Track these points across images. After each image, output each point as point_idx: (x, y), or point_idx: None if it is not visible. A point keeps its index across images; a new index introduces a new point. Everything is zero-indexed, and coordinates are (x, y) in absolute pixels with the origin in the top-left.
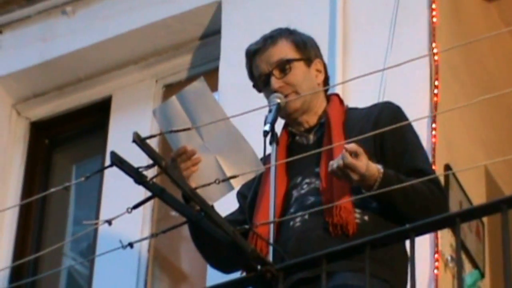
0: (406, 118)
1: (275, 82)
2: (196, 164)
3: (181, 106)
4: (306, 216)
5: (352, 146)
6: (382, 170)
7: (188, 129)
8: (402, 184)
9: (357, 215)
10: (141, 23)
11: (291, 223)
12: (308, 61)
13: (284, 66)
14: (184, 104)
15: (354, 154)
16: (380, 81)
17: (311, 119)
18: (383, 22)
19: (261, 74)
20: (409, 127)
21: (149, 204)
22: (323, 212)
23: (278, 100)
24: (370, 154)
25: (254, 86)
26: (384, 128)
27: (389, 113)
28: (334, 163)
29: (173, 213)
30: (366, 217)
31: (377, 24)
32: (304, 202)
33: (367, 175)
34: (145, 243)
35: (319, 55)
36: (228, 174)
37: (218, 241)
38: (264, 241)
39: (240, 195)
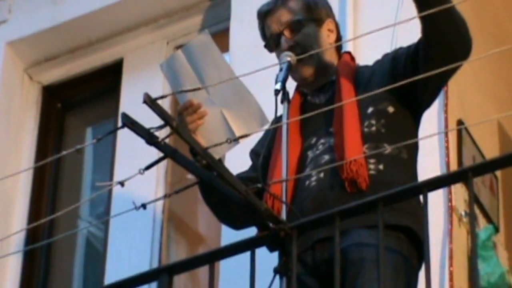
0: None
1: (285, 42)
2: (202, 118)
3: (187, 59)
4: (322, 175)
5: None
6: None
7: (198, 89)
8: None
9: (371, 166)
10: None
11: (307, 182)
12: (320, 21)
13: (294, 26)
14: (190, 58)
15: None
16: (392, 37)
17: (323, 79)
18: None
19: (272, 34)
20: None
21: (162, 166)
22: (338, 170)
23: (289, 58)
24: (390, 93)
25: (265, 46)
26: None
27: (391, 52)
28: None
29: (189, 175)
30: (381, 166)
31: None
32: (319, 161)
33: None
34: (160, 205)
35: (331, 15)
36: (234, 127)
37: (228, 198)
38: (279, 201)
39: (254, 153)
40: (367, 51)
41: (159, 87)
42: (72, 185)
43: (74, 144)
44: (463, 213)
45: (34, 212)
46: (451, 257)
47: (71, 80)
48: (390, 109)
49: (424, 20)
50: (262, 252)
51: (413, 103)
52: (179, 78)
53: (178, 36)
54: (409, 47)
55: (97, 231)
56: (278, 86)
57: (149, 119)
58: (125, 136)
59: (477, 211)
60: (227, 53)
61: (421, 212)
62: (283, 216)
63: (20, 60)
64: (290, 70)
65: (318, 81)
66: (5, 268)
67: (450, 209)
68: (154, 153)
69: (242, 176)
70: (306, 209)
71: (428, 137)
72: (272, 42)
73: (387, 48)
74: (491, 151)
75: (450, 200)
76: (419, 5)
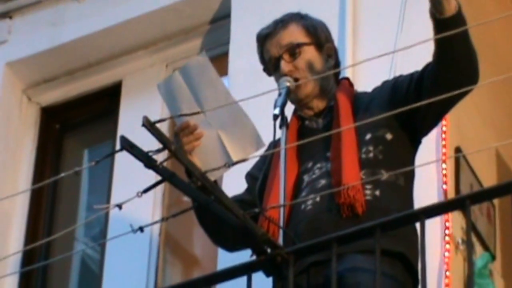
0: None
1: (284, 66)
2: (199, 139)
3: (184, 80)
4: (318, 199)
5: None
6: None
7: (197, 113)
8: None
9: (368, 191)
10: (151, 8)
11: (302, 206)
12: (319, 46)
13: (294, 50)
14: (187, 79)
15: None
16: (391, 64)
17: (321, 104)
18: (393, 4)
19: (271, 58)
20: None
21: (159, 189)
22: (334, 194)
23: (288, 84)
24: (389, 119)
25: (264, 70)
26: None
27: (392, 79)
28: None
29: (186, 198)
30: (377, 192)
31: (387, 6)
32: (315, 186)
33: None
34: (156, 228)
35: (330, 40)
36: (230, 149)
37: (223, 221)
38: (275, 225)
39: (250, 176)
40: (366, 77)
41: (157, 109)
42: (69, 207)
43: (72, 165)
44: (460, 240)
45: (31, 233)
46: (447, 285)
47: (69, 102)
48: (388, 136)
49: (440, 44)
50: (258, 277)
51: (413, 130)
52: (176, 99)
53: (177, 59)
54: (411, 74)
55: (93, 252)
56: (276, 111)
57: (146, 141)
58: (122, 158)
59: (474, 238)
60: (226, 77)
61: (416, 238)
62: (280, 240)
63: (19, 81)
64: (289, 94)
65: (316, 105)
66: None
67: (447, 237)
68: (152, 176)
69: (237, 199)
70: (301, 232)
71: (426, 165)
72: (271, 66)
73: (386, 74)
74: (489, 179)
75: (447, 228)
76: (438, 27)
